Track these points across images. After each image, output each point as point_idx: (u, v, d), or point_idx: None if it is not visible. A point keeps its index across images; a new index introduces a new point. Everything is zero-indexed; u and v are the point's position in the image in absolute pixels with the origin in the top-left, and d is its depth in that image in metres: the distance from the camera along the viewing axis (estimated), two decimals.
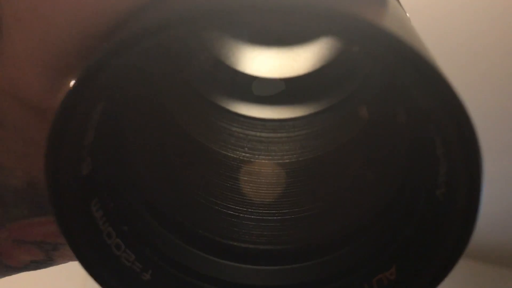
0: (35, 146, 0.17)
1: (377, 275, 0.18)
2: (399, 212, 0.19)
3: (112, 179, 0.18)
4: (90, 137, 0.16)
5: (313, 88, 0.23)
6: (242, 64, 0.23)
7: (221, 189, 0.22)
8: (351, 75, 0.22)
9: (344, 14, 0.13)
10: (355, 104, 0.22)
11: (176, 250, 0.20)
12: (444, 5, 1.07)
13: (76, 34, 0.15)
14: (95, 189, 0.17)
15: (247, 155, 0.22)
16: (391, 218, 0.19)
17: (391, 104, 0.19)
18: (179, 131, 0.22)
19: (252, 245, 0.21)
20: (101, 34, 0.15)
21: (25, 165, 0.18)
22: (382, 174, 0.21)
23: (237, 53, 0.22)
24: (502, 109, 1.23)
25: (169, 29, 0.13)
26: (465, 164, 0.15)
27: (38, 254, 0.20)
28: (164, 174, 0.22)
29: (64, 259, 0.21)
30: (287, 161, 0.23)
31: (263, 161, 0.22)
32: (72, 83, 0.14)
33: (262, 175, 0.22)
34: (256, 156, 0.23)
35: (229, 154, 0.22)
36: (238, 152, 0.22)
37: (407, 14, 0.19)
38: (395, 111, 0.19)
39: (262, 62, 0.23)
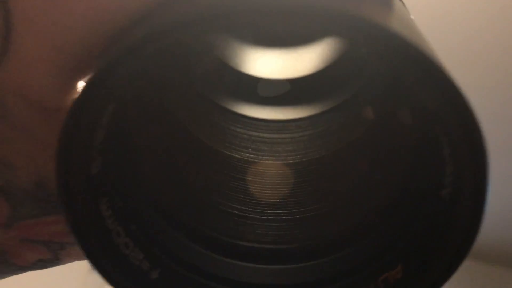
0: (45, 147, 0.17)
1: (383, 274, 0.18)
2: (405, 212, 0.19)
3: (121, 179, 0.18)
4: (100, 137, 0.16)
5: (318, 88, 0.23)
6: (247, 65, 0.23)
7: (227, 189, 0.22)
8: (356, 75, 0.22)
9: (350, 15, 0.13)
10: (360, 104, 0.23)
11: (184, 249, 0.20)
12: (444, 5, 1.07)
13: (86, 35, 0.16)
14: (104, 189, 0.17)
15: (252, 155, 0.22)
16: (397, 218, 0.19)
17: (396, 105, 0.19)
18: (184, 132, 0.22)
19: (258, 244, 0.21)
20: (111, 35, 0.16)
21: (34, 165, 0.18)
22: (387, 174, 0.21)
23: (241, 54, 0.22)
24: (502, 109, 1.23)
25: (174, 33, 0.13)
26: (471, 164, 0.15)
27: (45, 253, 0.20)
28: (171, 175, 0.22)
29: (70, 258, 0.21)
30: (292, 161, 0.23)
31: (267, 161, 0.23)
32: (79, 84, 0.14)
33: (267, 176, 0.22)
34: (261, 157, 0.23)
35: (233, 155, 0.22)
36: (242, 153, 0.22)
37: (411, 16, 0.19)
38: (400, 112, 0.19)
39: (266, 63, 0.23)
